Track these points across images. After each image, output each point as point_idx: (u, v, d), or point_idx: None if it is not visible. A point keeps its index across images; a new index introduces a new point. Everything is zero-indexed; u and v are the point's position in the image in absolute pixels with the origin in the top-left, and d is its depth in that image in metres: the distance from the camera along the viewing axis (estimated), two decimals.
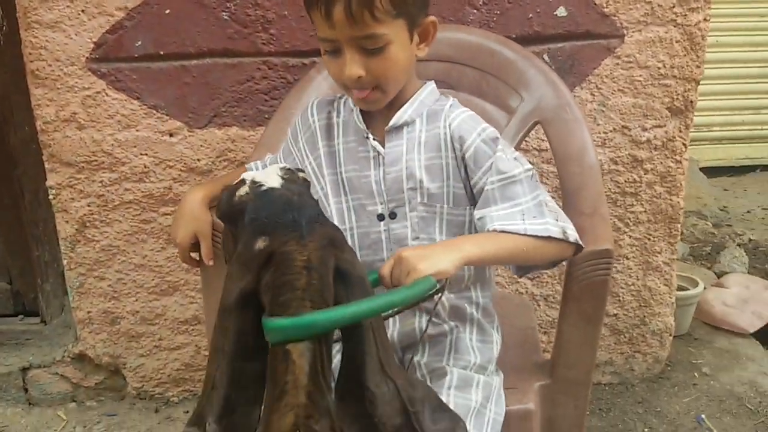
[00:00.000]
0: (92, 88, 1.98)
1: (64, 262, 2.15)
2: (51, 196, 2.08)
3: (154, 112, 2.01)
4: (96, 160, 2.04)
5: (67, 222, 2.10)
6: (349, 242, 1.27)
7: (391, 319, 1.32)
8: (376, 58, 1.20)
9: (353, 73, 1.20)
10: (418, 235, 1.30)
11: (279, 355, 0.94)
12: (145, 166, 2.05)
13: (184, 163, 2.05)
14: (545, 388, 1.40)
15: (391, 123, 1.31)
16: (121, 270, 2.16)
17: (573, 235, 1.25)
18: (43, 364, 2.26)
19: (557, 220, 1.25)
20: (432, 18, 1.28)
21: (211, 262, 1.43)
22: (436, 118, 1.32)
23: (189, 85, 1.99)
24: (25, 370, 2.26)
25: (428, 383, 1.27)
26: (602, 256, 1.32)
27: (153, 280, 2.17)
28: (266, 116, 1.99)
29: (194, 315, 2.21)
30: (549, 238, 1.23)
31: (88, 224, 2.10)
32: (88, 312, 2.20)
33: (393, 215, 1.30)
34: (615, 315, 2.25)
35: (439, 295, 1.12)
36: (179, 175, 2.06)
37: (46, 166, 2.05)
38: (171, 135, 2.04)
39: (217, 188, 1.42)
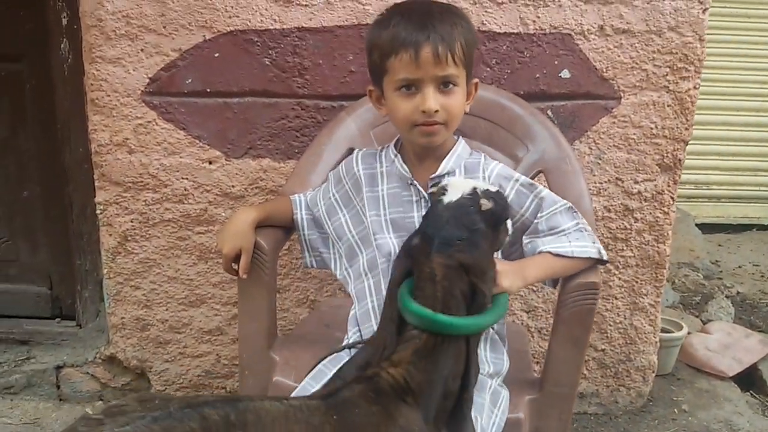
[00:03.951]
0: (144, 117, 2.20)
1: (104, 271, 2.35)
2: (98, 211, 2.29)
3: (197, 141, 2.23)
4: (142, 181, 2.26)
5: (110, 235, 2.31)
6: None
7: None
8: (449, 97, 1.44)
9: (432, 106, 1.42)
10: None
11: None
12: (185, 189, 2.27)
13: (220, 189, 2.27)
14: (534, 401, 1.59)
15: (437, 172, 1.53)
16: (155, 281, 2.36)
17: (605, 254, 1.52)
18: (75, 364, 2.45)
19: (594, 242, 1.52)
20: (476, 79, 1.54)
21: (245, 276, 1.61)
22: (474, 170, 1.56)
23: (230, 120, 2.22)
24: (59, 368, 2.44)
25: None
26: (590, 287, 1.53)
27: (183, 292, 2.37)
28: (296, 151, 2.22)
29: (218, 326, 2.40)
30: (588, 258, 1.50)
31: (129, 238, 2.31)
32: (122, 318, 2.39)
33: None
34: (603, 350, 2.43)
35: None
36: (215, 198, 2.28)
37: (96, 184, 2.27)
38: (210, 162, 2.25)
39: (264, 213, 1.65)
